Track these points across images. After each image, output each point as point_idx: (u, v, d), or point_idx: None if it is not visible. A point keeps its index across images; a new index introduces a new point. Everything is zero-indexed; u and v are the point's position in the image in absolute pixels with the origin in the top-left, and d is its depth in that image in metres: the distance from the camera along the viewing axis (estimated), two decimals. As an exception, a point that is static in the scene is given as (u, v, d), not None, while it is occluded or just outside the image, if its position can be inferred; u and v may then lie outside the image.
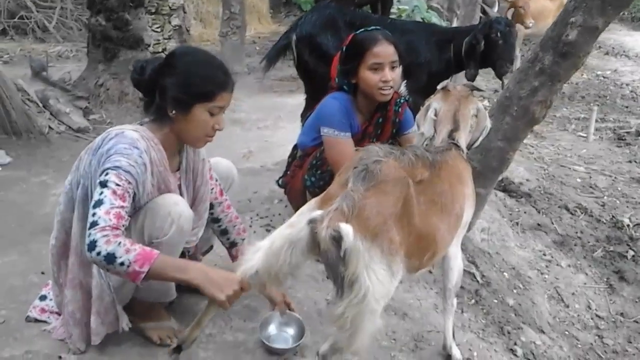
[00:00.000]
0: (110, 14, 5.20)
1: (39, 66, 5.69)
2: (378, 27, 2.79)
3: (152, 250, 1.84)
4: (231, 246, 2.49)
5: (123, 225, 1.86)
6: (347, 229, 1.61)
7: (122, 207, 1.86)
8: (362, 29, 2.80)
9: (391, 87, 2.67)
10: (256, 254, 1.88)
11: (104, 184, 1.87)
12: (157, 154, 2.03)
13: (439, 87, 2.40)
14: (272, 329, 2.35)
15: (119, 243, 1.79)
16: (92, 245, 1.78)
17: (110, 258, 1.77)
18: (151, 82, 2.04)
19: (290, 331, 2.35)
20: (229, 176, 2.52)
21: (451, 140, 2.24)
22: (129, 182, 1.90)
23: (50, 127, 4.57)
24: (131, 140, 1.95)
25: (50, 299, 2.36)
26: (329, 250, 1.65)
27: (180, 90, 2.00)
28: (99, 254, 1.78)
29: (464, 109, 2.31)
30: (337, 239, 1.61)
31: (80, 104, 5.00)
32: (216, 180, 2.41)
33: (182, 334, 2.08)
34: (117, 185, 1.87)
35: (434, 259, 2.09)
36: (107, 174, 1.88)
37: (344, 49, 2.78)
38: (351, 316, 1.70)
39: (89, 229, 1.81)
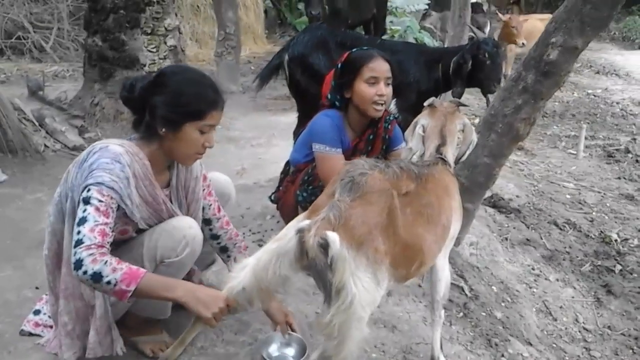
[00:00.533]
0: (106, 35, 5.28)
1: (35, 86, 5.76)
2: (371, 48, 2.89)
3: (138, 269, 1.87)
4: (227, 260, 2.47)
5: (108, 242, 1.88)
6: (333, 237, 1.67)
7: (106, 223, 1.89)
8: (357, 48, 2.90)
9: (384, 103, 2.76)
10: (242, 271, 1.95)
11: (86, 201, 1.88)
12: (141, 168, 2.03)
13: (425, 103, 2.48)
14: (273, 349, 2.34)
15: (106, 262, 1.81)
16: (79, 264, 1.81)
17: (97, 277, 1.80)
18: (140, 100, 2.05)
19: (291, 352, 2.34)
20: (224, 192, 2.53)
21: (439, 155, 2.32)
22: (112, 198, 1.92)
23: (46, 146, 4.62)
24: (114, 155, 1.96)
25: (44, 313, 2.40)
26: (317, 258, 1.71)
27: (170, 109, 2.01)
28: (85, 272, 1.80)
29: (451, 124, 2.39)
30: (324, 246, 1.68)
31: (76, 122, 5.06)
32: (214, 197, 2.41)
33: (165, 351, 2.14)
34: (100, 201, 1.89)
35: (421, 269, 2.15)
36: (89, 190, 1.90)
37: (339, 65, 2.87)
38: (338, 323, 1.76)
39: (74, 247, 1.84)
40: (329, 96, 2.92)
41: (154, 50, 5.44)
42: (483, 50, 4.05)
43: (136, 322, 2.30)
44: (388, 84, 2.76)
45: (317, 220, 1.77)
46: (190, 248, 2.10)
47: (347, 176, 1.91)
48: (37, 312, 2.44)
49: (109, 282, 1.81)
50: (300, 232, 1.76)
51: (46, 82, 6.33)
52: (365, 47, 2.89)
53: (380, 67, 2.74)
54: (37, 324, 2.40)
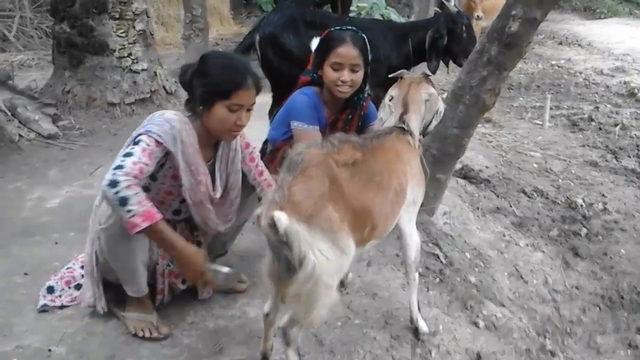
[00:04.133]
0: (74, 21, 5.25)
1: (4, 75, 5.68)
2: (352, 28, 2.95)
3: (157, 213, 2.06)
4: (259, 200, 2.59)
5: (142, 178, 2.11)
6: (279, 215, 1.77)
7: (147, 164, 2.12)
8: (339, 27, 2.95)
9: (350, 87, 2.84)
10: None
11: (136, 142, 2.16)
12: (189, 137, 2.27)
13: (393, 75, 2.60)
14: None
15: (137, 193, 2.02)
16: (114, 184, 2.00)
17: (123, 201, 2.00)
18: (189, 82, 2.31)
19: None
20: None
21: (400, 124, 2.43)
22: (157, 144, 2.17)
23: (20, 135, 4.60)
24: (166, 118, 2.24)
25: (62, 289, 2.58)
26: (271, 238, 1.84)
27: (204, 90, 2.26)
28: (116, 193, 2.00)
29: (415, 93, 2.49)
30: (272, 226, 1.78)
31: (49, 111, 5.04)
32: (256, 162, 2.62)
33: None
34: (147, 145, 2.15)
35: (375, 232, 2.23)
36: (139, 135, 2.18)
37: (319, 41, 2.96)
38: (305, 293, 1.86)
39: (114, 169, 2.04)
40: (310, 68, 3.02)
41: (123, 35, 5.41)
42: (460, 24, 4.17)
43: (131, 297, 2.40)
44: (355, 70, 2.83)
45: (265, 204, 1.91)
46: (116, 218, 2.15)
47: (286, 160, 2.04)
48: (50, 289, 2.57)
49: (129, 210, 2.00)
50: (255, 220, 1.91)
51: (14, 72, 6.24)
52: (342, 27, 2.95)
53: (346, 53, 2.81)
54: (53, 300, 2.54)
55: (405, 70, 2.61)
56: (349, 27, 2.94)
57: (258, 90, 2.32)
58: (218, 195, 2.46)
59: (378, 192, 2.18)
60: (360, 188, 2.10)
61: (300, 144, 2.14)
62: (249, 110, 2.30)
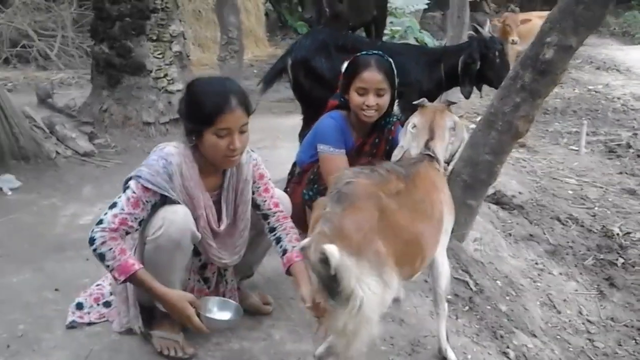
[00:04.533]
0: (113, 42, 5.39)
1: (44, 93, 5.86)
2: (379, 52, 2.96)
3: (133, 265, 2.11)
4: (283, 254, 2.46)
5: (124, 229, 2.14)
6: (331, 249, 1.73)
7: (131, 214, 2.14)
8: (365, 52, 2.98)
9: (376, 111, 2.85)
10: None
11: (124, 190, 2.17)
12: (189, 170, 2.24)
13: (414, 103, 2.59)
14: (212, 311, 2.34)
15: (111, 249, 2.09)
16: (92, 241, 2.10)
17: (101, 257, 2.10)
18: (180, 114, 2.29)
19: (227, 315, 2.34)
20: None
21: (426, 151, 2.41)
22: (146, 190, 2.15)
23: (57, 152, 4.71)
24: (164, 154, 2.21)
25: (91, 305, 2.57)
26: (320, 272, 1.81)
27: (187, 121, 2.23)
28: (94, 250, 2.10)
29: (440, 120, 2.49)
30: (324, 260, 1.74)
31: (86, 129, 5.16)
32: (272, 193, 2.53)
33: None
34: (133, 192, 2.15)
35: (424, 264, 2.23)
36: (130, 180, 2.18)
37: (346, 65, 2.98)
38: (351, 327, 1.85)
39: (96, 224, 2.13)
40: (338, 92, 3.04)
41: (160, 56, 5.54)
42: (493, 49, 4.16)
43: (160, 315, 2.40)
44: (380, 95, 2.84)
45: (314, 236, 1.87)
46: (164, 230, 2.16)
47: (334, 188, 2.00)
48: (80, 306, 2.58)
49: (108, 266, 2.11)
50: (303, 250, 1.89)
51: (53, 90, 6.42)
52: (368, 52, 2.97)
53: (371, 78, 2.82)
54: (81, 316, 2.55)
55: (425, 99, 2.60)
56: (375, 52, 2.96)
57: (247, 109, 2.21)
58: (223, 227, 2.40)
59: (425, 222, 2.16)
60: (409, 219, 2.08)
61: (347, 172, 2.09)
62: (242, 132, 2.20)
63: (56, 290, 2.81)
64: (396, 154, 2.57)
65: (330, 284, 1.82)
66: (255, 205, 2.50)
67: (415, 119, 2.52)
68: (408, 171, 2.23)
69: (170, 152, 2.22)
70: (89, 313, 2.56)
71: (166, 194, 2.18)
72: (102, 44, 5.47)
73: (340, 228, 1.86)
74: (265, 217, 2.51)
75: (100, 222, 2.12)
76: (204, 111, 2.15)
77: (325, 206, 1.96)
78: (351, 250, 1.82)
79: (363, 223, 1.91)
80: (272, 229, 2.51)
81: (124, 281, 2.12)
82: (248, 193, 2.45)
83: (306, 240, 1.90)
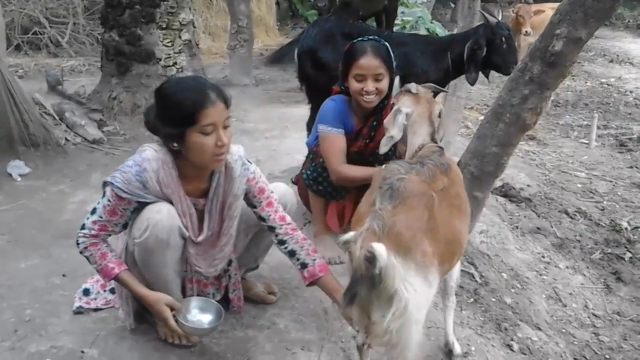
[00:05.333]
0: (123, 30, 5.39)
1: (54, 80, 5.89)
2: (374, 37, 2.98)
3: (113, 269, 2.21)
4: (302, 267, 2.39)
5: (105, 234, 2.23)
6: (380, 248, 1.68)
7: (109, 221, 2.19)
8: (357, 39, 3.00)
9: (376, 95, 2.88)
10: None
11: (103, 195, 2.18)
12: (167, 177, 2.16)
13: (402, 88, 2.51)
14: (191, 314, 2.34)
15: (91, 254, 2.21)
16: (77, 244, 2.23)
17: (88, 259, 2.24)
18: (154, 124, 2.20)
19: (208, 318, 2.34)
20: (281, 202, 2.50)
21: (433, 142, 2.33)
22: (120, 199, 2.14)
23: (66, 139, 4.74)
24: (140, 160, 2.15)
25: (98, 292, 2.63)
26: (364, 270, 1.72)
27: (165, 126, 2.11)
28: (81, 253, 2.24)
29: (435, 110, 2.41)
30: (371, 259, 1.68)
31: (95, 116, 5.18)
32: (276, 206, 2.42)
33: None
34: (109, 201, 2.16)
35: (457, 261, 2.21)
36: (106, 185, 2.17)
37: (344, 53, 3.00)
38: (395, 329, 1.81)
39: (80, 227, 2.23)
40: (339, 80, 3.07)
41: (169, 44, 5.53)
42: (500, 35, 4.13)
43: None
44: (378, 80, 2.86)
45: (362, 232, 1.79)
46: (150, 232, 2.13)
47: (385, 184, 1.92)
48: (86, 292, 2.63)
49: (95, 269, 2.26)
50: (347, 244, 1.79)
51: (64, 77, 6.45)
52: (366, 38, 2.98)
53: (367, 64, 2.84)
54: (88, 302, 2.59)
55: (413, 84, 2.47)
56: (370, 37, 2.98)
57: (226, 102, 2.11)
58: (201, 238, 2.31)
59: (460, 217, 2.12)
60: (449, 216, 2.03)
61: (398, 167, 2.01)
62: (225, 127, 2.11)
63: (64, 276, 2.85)
64: (385, 144, 2.42)
65: (372, 283, 1.76)
66: (261, 218, 2.41)
67: (406, 108, 2.38)
68: (446, 165, 2.14)
69: (148, 158, 2.14)
70: (95, 299, 2.59)
71: (142, 200, 2.15)
72: (112, 32, 5.47)
73: (390, 226, 1.80)
74: (272, 229, 2.42)
75: (83, 227, 2.21)
76: (185, 110, 2.05)
77: (375, 202, 1.90)
78: (399, 250, 1.77)
79: (413, 222, 1.86)
80: (282, 242, 2.42)
81: (110, 280, 2.27)
82: (237, 209, 2.35)
83: (351, 234, 1.81)
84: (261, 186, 2.39)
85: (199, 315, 2.34)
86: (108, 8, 5.50)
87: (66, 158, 4.55)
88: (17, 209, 3.67)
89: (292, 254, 2.41)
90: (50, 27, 9.00)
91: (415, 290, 1.80)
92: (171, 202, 2.20)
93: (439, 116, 2.42)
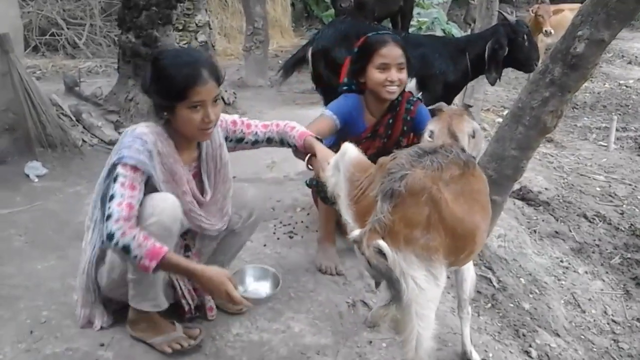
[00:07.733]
0: (139, 31, 5.40)
1: (71, 82, 5.91)
2: (388, 32, 2.96)
3: (161, 247, 2.05)
4: (293, 139, 2.52)
5: (134, 215, 2.09)
6: (384, 245, 1.82)
7: (132, 196, 2.10)
8: (373, 33, 2.98)
9: (398, 86, 2.84)
10: None
11: (114, 179, 2.11)
12: (165, 147, 2.19)
13: (432, 107, 2.50)
14: (248, 282, 2.30)
15: (133, 237, 2.03)
16: (110, 236, 2.04)
17: (126, 249, 2.03)
18: (147, 90, 2.21)
19: (265, 285, 2.30)
20: (246, 205, 2.54)
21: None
22: (135, 169, 2.11)
23: (83, 140, 4.75)
24: (137, 134, 2.15)
25: None
26: (379, 264, 1.85)
27: (159, 96, 2.15)
28: (116, 244, 2.03)
29: (459, 124, 2.33)
30: (380, 252, 1.83)
31: (112, 117, 5.19)
32: (254, 123, 2.53)
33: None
34: (124, 176, 2.10)
35: (469, 258, 2.18)
36: (114, 166, 2.13)
37: (356, 50, 2.96)
38: (401, 322, 1.91)
39: (106, 221, 2.07)
40: (346, 80, 3.04)
41: (186, 46, 5.55)
42: (521, 33, 4.10)
43: (149, 324, 2.37)
44: (401, 69, 2.84)
45: (366, 232, 1.90)
46: (157, 218, 2.13)
47: (387, 181, 1.96)
48: None
49: (135, 256, 2.03)
50: (357, 242, 1.91)
51: (81, 78, 6.48)
52: (382, 32, 2.95)
53: (391, 53, 2.82)
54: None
55: (443, 103, 2.50)
56: (385, 32, 2.94)
57: (217, 80, 2.16)
58: (209, 197, 2.38)
59: (483, 215, 2.09)
60: (466, 210, 2.00)
61: (404, 160, 2.01)
62: (215, 101, 2.16)
63: (80, 277, 2.84)
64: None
65: (390, 273, 1.86)
66: (254, 142, 2.52)
67: (432, 126, 2.39)
68: (468, 159, 2.12)
69: (143, 132, 2.16)
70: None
71: (151, 172, 2.15)
72: (128, 33, 5.48)
73: (390, 225, 1.89)
74: (270, 140, 2.54)
75: (109, 216, 2.06)
76: (176, 86, 2.08)
77: (377, 199, 1.95)
78: (399, 246, 1.87)
79: (413, 218, 1.91)
80: (269, 140, 2.54)
81: (156, 268, 2.05)
82: (226, 154, 2.43)
83: (357, 233, 1.93)
84: (233, 119, 2.48)
85: (254, 284, 2.30)
86: (125, 10, 5.51)
87: (83, 159, 4.56)
88: (34, 210, 3.68)
89: (282, 142, 2.56)
90: (68, 28, 9.05)
91: (417, 283, 1.88)
92: (173, 175, 2.23)
93: (473, 136, 2.37)
